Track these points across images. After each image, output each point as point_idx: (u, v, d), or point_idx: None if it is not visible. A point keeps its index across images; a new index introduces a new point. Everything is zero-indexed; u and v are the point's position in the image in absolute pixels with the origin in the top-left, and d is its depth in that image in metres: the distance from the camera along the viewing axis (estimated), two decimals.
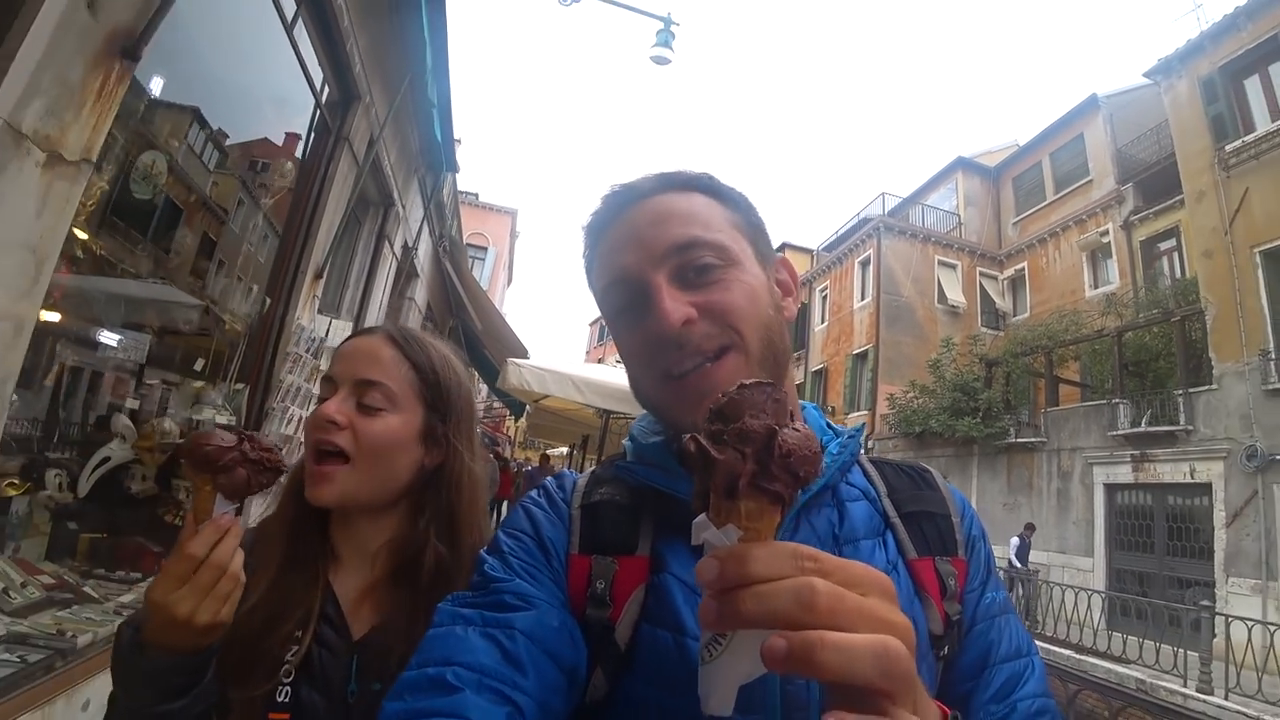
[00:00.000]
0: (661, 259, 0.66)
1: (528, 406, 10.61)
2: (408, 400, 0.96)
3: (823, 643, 0.33)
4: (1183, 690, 7.92)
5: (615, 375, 6.89)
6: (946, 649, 0.66)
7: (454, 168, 6.44)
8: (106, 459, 2.49)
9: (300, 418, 3.48)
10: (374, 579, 0.94)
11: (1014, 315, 20.67)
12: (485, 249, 26.15)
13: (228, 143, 3.02)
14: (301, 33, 3.17)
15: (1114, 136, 18.59)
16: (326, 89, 3.68)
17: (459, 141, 6.89)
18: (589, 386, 6.29)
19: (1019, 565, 11.78)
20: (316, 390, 3.44)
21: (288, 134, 3.60)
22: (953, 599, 0.67)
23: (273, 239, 3.50)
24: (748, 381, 0.42)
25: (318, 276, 3.68)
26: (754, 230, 0.73)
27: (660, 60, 5.04)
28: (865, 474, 0.75)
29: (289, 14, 3.00)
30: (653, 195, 0.71)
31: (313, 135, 3.67)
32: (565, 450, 12.57)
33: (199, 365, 3.04)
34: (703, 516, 0.41)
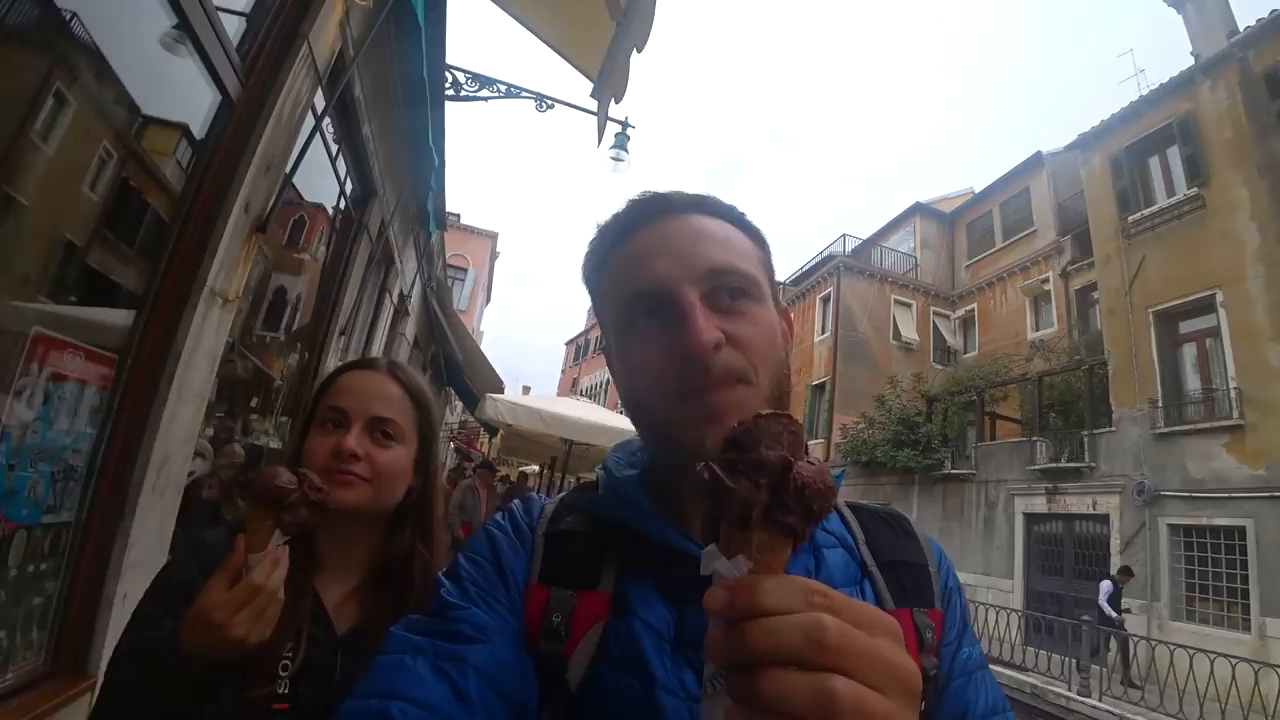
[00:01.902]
0: (699, 278, 0.63)
1: (500, 430, 11.63)
2: (410, 433, 1.10)
3: (844, 696, 0.33)
4: (1066, 694, 9.12)
5: (577, 409, 8.09)
6: (923, 704, 0.59)
7: (443, 226, 7.53)
8: (193, 472, 3.53)
9: None
10: (355, 583, 1.06)
11: (964, 353, 21.98)
12: (465, 270, 26.93)
13: (284, 242, 4.09)
14: (332, 148, 4.25)
15: (1055, 191, 20.18)
16: (350, 189, 4.76)
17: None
18: (554, 420, 7.43)
19: (1112, 614, 10.10)
20: None
21: (325, 227, 4.68)
22: (929, 652, 0.65)
23: (305, 304, 4.57)
24: (765, 412, 0.42)
25: (342, 333, 4.74)
26: (771, 272, 0.72)
27: (617, 159, 6.15)
28: (843, 519, 0.74)
29: (333, 150, 4.09)
30: (687, 213, 0.69)
31: (339, 225, 4.75)
32: (536, 468, 13.58)
33: (254, 402, 4.08)
34: (712, 546, 0.41)
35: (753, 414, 0.42)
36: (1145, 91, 13.06)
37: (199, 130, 2.46)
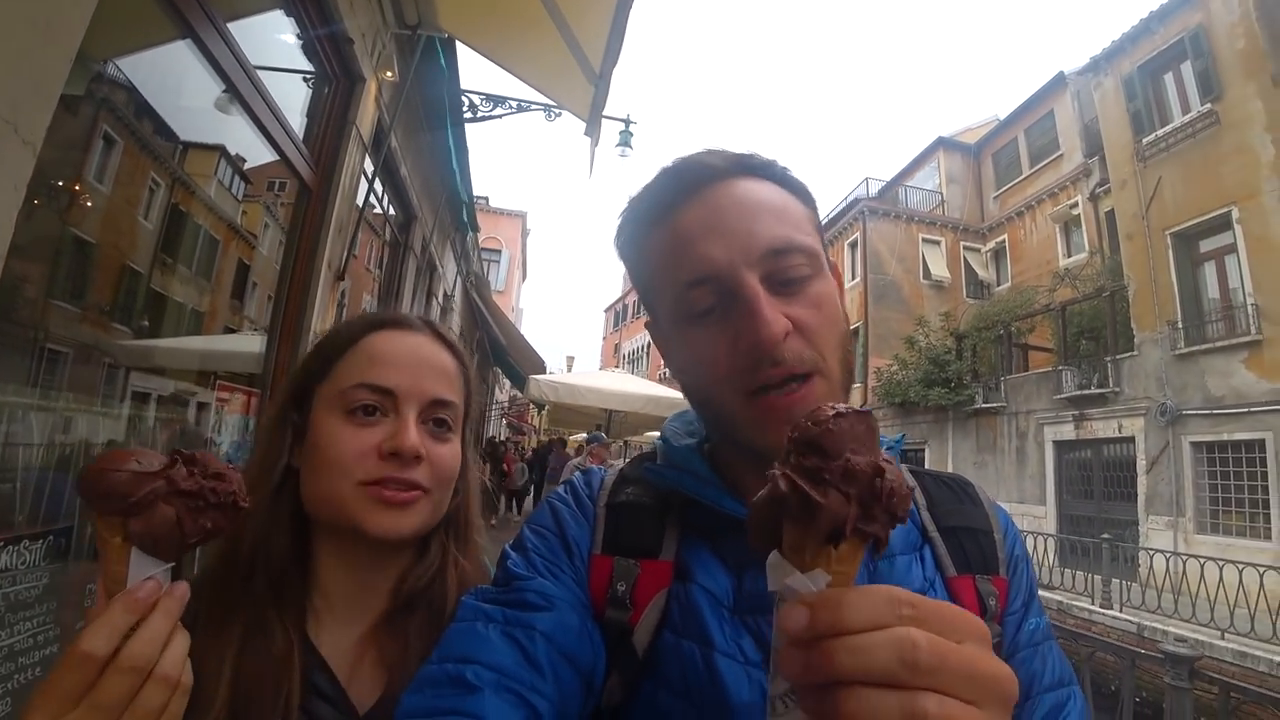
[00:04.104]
0: (758, 259, 0.60)
1: (546, 405, 12.66)
2: (460, 417, 0.83)
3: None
4: (1089, 607, 9.74)
5: (612, 381, 9.05)
6: None
7: (476, 229, 8.34)
8: None
9: None
10: (370, 624, 0.76)
11: (997, 285, 21.75)
12: (499, 252, 27.78)
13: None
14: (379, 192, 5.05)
15: (1081, 112, 19.62)
16: (395, 216, 5.57)
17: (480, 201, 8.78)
18: (591, 393, 8.38)
19: None
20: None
21: (379, 254, 5.52)
22: (993, 620, 0.63)
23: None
24: (840, 408, 0.39)
25: None
26: (822, 232, 0.68)
27: (623, 156, 6.81)
28: None
29: (379, 190, 4.90)
30: (730, 178, 0.64)
31: (389, 250, 5.59)
32: (583, 436, 14.67)
33: None
34: (778, 557, 0.38)
35: (824, 407, 0.39)
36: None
37: (286, 214, 3.30)
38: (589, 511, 0.70)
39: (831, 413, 0.39)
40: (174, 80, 2.22)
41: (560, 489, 0.75)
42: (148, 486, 0.51)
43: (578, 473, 0.78)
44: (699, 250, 0.61)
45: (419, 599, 0.77)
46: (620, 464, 0.78)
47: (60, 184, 1.67)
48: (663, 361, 0.79)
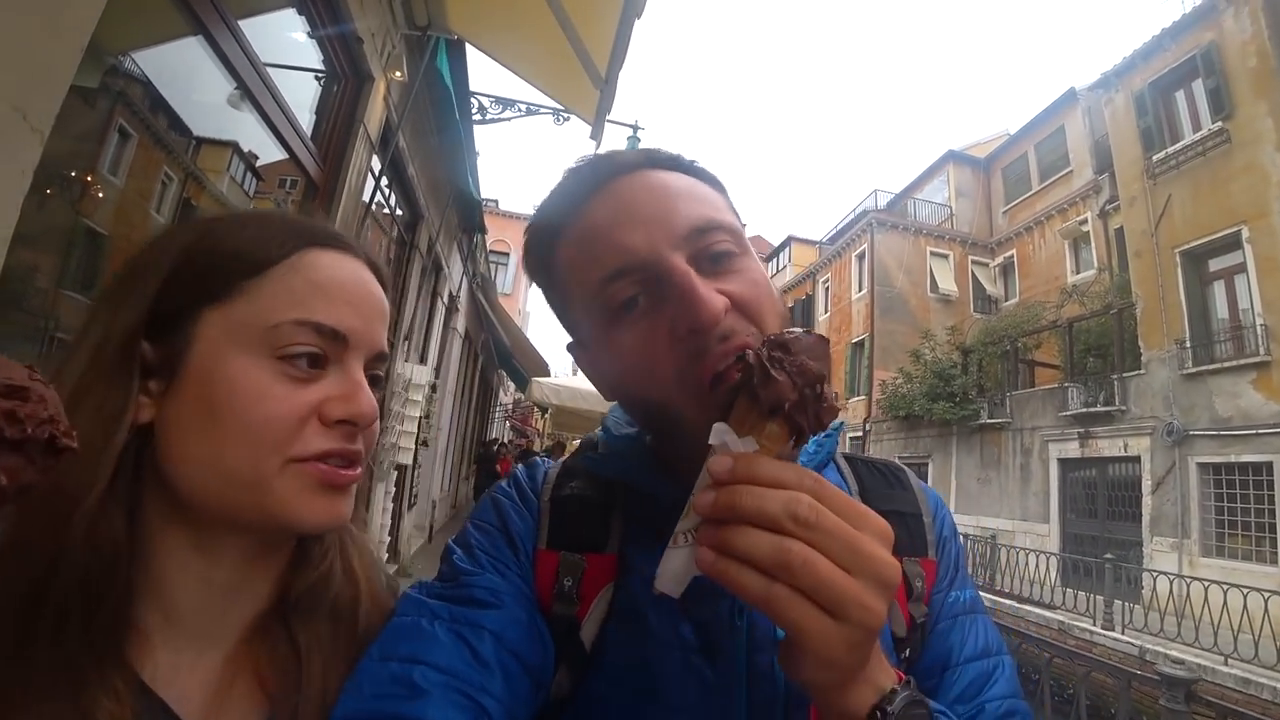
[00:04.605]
0: (681, 241, 0.56)
1: (549, 409, 12.67)
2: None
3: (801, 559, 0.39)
4: (1090, 629, 9.64)
5: None
6: (909, 651, 0.64)
7: (483, 230, 8.36)
8: None
9: (400, 432, 5.41)
10: (236, 642, 0.56)
11: (1005, 300, 21.69)
12: (507, 254, 27.86)
13: None
14: (386, 192, 5.07)
15: (1091, 128, 19.58)
16: (401, 215, 5.59)
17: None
18: (593, 396, 8.33)
19: None
20: (406, 411, 5.38)
21: (385, 252, 5.54)
22: (918, 600, 0.65)
23: None
24: (810, 330, 0.47)
25: (406, 338, 5.63)
26: (739, 216, 0.65)
27: None
28: (838, 469, 0.74)
29: (386, 189, 4.92)
30: (640, 169, 0.61)
31: (395, 248, 5.61)
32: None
33: None
34: (723, 424, 0.46)
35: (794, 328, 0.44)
36: (1187, 10, 12.64)
37: (293, 211, 3.31)
38: (533, 506, 0.68)
39: (801, 329, 0.47)
40: (187, 76, 2.24)
41: (504, 482, 0.72)
42: None
43: (521, 466, 0.75)
44: (614, 240, 0.57)
45: (316, 600, 0.59)
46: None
47: (73, 174, 1.68)
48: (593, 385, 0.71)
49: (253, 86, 2.46)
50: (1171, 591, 9.56)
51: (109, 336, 0.52)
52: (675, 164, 0.64)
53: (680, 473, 0.59)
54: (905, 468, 0.78)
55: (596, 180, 0.61)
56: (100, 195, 1.86)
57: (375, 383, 0.60)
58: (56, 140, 1.25)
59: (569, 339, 0.70)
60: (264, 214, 0.64)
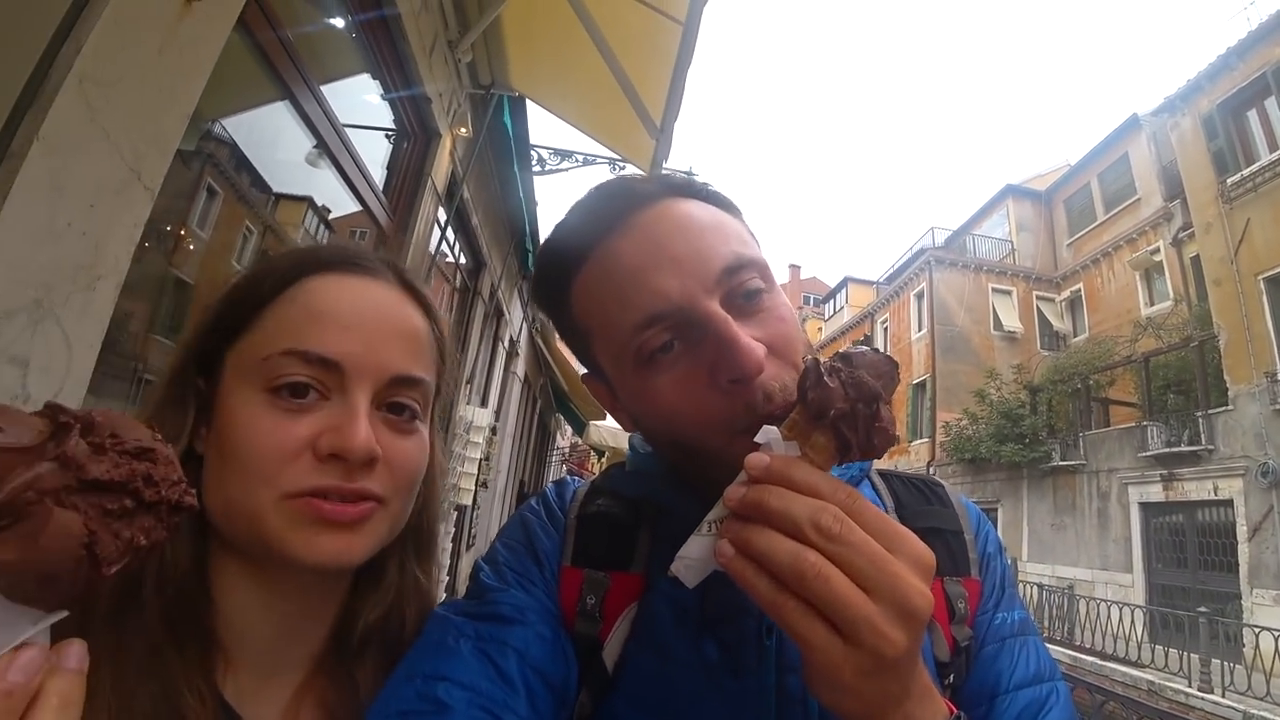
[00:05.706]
0: (714, 284, 0.55)
1: (605, 452, 12.78)
2: (430, 397, 0.64)
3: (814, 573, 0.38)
4: (1186, 689, 8.89)
5: None
6: (953, 677, 0.60)
7: None
8: None
9: (460, 473, 5.60)
10: (305, 677, 0.60)
11: (1074, 336, 20.82)
12: None
13: None
14: (451, 240, 5.38)
15: (1158, 154, 18.75)
16: (465, 263, 5.91)
17: None
18: None
19: None
20: (467, 453, 5.56)
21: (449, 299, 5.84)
22: (962, 623, 0.62)
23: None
24: (878, 349, 0.47)
25: (468, 381, 5.87)
26: (758, 242, 0.63)
27: None
28: (874, 488, 0.71)
29: (451, 238, 5.22)
30: (661, 200, 0.60)
31: (459, 295, 5.91)
32: None
33: None
34: (774, 428, 0.46)
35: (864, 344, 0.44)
36: (1254, 27, 12.19)
37: None
38: (560, 523, 0.68)
39: (869, 347, 0.48)
40: (272, 136, 2.49)
41: (533, 500, 0.73)
42: (21, 475, 0.29)
43: (550, 484, 0.75)
44: (646, 283, 0.56)
45: (371, 638, 0.61)
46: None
47: (167, 229, 1.88)
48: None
49: (331, 145, 2.71)
50: (1277, 650, 8.82)
51: (173, 367, 0.59)
52: (693, 191, 0.63)
53: (705, 492, 0.58)
54: (944, 482, 0.75)
55: (616, 212, 0.60)
56: (189, 248, 2.03)
57: (401, 410, 0.58)
58: (159, 198, 1.42)
59: (584, 369, 0.70)
60: (287, 249, 0.64)
